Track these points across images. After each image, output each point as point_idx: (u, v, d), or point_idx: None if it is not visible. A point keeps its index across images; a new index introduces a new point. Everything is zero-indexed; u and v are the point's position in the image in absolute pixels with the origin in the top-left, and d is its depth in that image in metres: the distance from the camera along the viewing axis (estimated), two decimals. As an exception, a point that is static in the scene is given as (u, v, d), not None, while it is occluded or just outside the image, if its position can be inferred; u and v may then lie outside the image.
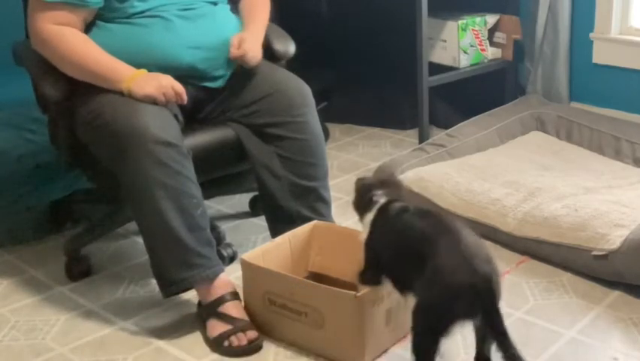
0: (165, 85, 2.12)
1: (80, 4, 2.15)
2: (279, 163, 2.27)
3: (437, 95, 3.42)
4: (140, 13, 2.20)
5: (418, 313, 1.69)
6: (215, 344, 2.05)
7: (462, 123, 3.15)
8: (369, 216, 1.89)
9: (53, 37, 2.14)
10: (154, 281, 2.14)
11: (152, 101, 2.10)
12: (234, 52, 2.25)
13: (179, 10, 2.23)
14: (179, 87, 2.15)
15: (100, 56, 2.15)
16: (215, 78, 2.30)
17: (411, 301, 1.74)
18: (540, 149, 3.03)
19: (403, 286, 1.80)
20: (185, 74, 2.22)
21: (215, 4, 2.34)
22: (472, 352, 1.97)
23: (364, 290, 1.89)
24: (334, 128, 3.61)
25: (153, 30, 2.20)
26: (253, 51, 2.28)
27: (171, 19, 2.22)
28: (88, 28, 2.21)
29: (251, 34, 2.32)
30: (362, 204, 1.93)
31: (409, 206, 1.86)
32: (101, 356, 2.06)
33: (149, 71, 2.16)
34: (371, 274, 1.91)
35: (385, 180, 2.00)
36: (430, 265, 1.65)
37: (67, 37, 2.14)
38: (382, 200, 1.89)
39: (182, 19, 2.24)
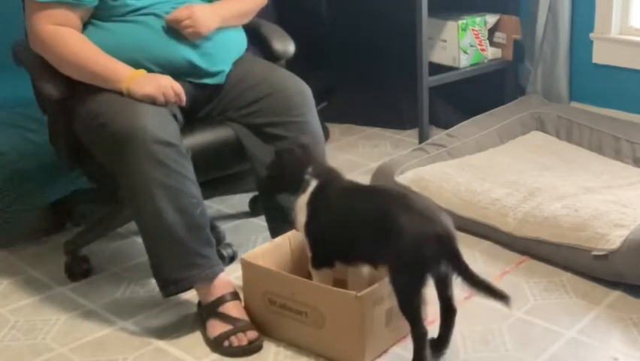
0: (164, 85, 2.12)
1: (75, 3, 2.15)
2: (279, 163, 2.27)
3: (437, 95, 3.42)
4: (135, 11, 2.20)
5: (396, 276, 1.81)
6: (215, 344, 2.05)
7: (462, 123, 3.15)
8: (304, 199, 1.97)
9: (52, 38, 2.14)
10: (154, 281, 2.13)
11: (152, 101, 2.10)
12: (174, 15, 2.20)
13: (173, 8, 2.23)
14: (179, 87, 2.15)
15: (99, 56, 2.14)
16: (214, 74, 2.30)
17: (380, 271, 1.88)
18: (540, 149, 3.03)
19: (365, 261, 1.94)
20: (183, 71, 2.22)
21: (209, 0, 2.34)
22: (470, 351, 1.98)
23: (366, 290, 1.89)
24: (334, 128, 3.61)
25: (149, 27, 2.20)
26: (196, 21, 2.20)
27: (166, 16, 2.21)
28: (84, 28, 2.20)
29: (208, 7, 2.27)
30: (291, 184, 2.00)
31: (345, 184, 1.98)
32: (101, 356, 2.06)
33: (147, 68, 2.16)
34: (322, 257, 1.99)
35: (308, 155, 2.05)
36: (394, 229, 1.79)
37: (66, 38, 2.14)
38: (315, 181, 1.97)
39: None
